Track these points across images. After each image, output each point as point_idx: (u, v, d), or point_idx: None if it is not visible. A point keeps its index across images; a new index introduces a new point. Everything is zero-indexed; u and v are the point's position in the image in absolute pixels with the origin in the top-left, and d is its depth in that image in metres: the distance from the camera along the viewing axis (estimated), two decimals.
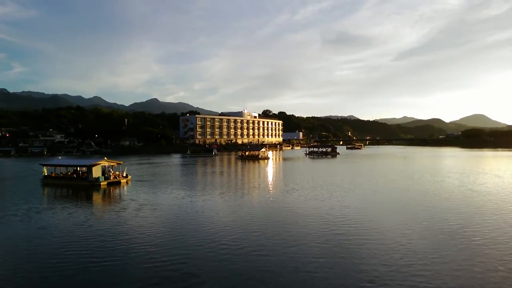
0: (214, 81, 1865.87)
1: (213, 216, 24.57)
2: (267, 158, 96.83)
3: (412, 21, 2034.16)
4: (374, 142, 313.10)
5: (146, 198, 31.92)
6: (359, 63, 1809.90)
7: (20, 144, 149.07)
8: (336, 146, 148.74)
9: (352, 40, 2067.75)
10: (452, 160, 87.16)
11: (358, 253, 16.25)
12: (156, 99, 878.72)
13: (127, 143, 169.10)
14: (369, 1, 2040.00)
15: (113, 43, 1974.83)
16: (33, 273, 14.35)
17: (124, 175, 44.39)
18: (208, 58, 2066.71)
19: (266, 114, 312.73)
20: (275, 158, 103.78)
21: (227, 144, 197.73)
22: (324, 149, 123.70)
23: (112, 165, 43.49)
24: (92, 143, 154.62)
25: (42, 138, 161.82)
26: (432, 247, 16.71)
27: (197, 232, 20.21)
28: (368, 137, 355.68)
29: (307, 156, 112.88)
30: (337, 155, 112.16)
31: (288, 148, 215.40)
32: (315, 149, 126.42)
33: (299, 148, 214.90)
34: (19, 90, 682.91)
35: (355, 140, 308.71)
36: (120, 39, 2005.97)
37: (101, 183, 39.95)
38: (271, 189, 37.68)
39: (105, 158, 43.59)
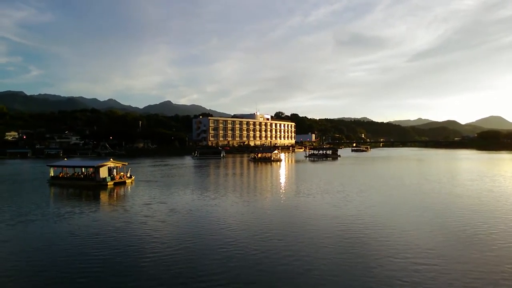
0: (227, 84, 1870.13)
1: (214, 216, 24.56)
2: (280, 160, 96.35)
3: (426, 22, 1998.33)
4: (389, 144, 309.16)
5: (148, 197, 32.56)
6: (373, 64, 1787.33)
7: (36, 146, 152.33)
8: (337, 148, 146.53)
9: (365, 42, 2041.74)
10: (473, 162, 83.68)
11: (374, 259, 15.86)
12: (169, 101, 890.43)
13: (141, 145, 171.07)
14: (382, 3, 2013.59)
15: (127, 47, 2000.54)
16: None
17: (128, 175, 45.39)
18: (220, 61, 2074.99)
19: (278, 116, 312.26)
20: (287, 161, 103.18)
21: (239, 146, 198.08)
22: (324, 152, 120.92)
23: (117, 166, 44.16)
24: (107, 145, 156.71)
25: (58, 140, 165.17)
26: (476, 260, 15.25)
27: (206, 233, 20.26)
28: (382, 139, 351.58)
29: (307, 158, 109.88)
30: (338, 158, 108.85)
31: (301, 150, 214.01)
32: (315, 152, 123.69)
33: None
34: (36, 93, 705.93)
35: (368, 142, 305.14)
36: (134, 42, 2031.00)
37: (108, 183, 40.92)
38: (281, 192, 37.25)
39: (111, 159, 44.51)
